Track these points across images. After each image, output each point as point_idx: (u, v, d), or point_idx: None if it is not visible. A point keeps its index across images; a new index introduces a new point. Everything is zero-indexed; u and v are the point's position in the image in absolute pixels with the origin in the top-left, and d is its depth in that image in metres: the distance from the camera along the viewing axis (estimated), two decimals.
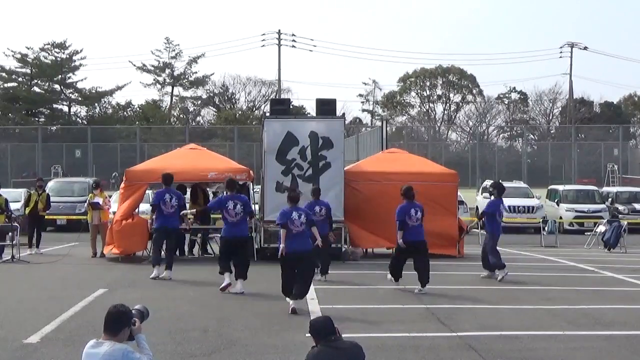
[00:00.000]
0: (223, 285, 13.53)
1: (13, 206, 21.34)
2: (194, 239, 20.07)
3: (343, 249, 18.77)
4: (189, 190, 21.24)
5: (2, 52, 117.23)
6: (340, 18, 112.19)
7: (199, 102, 78.30)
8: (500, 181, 17.73)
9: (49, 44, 72.10)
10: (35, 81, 72.55)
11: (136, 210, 19.29)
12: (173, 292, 13.73)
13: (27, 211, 20.45)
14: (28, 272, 16.76)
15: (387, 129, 27.25)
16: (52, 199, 29.02)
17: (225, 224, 13.76)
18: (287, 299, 11.86)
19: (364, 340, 7.48)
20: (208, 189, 21.12)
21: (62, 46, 72.21)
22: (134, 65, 76.29)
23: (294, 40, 71.59)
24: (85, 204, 21.32)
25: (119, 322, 5.40)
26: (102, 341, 5.35)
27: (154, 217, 15.51)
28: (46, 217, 27.26)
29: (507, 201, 30.53)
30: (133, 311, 5.56)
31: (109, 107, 75.41)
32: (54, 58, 72.26)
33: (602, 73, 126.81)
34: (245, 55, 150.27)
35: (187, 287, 14.34)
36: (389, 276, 14.36)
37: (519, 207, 30.26)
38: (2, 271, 16.87)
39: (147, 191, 20.99)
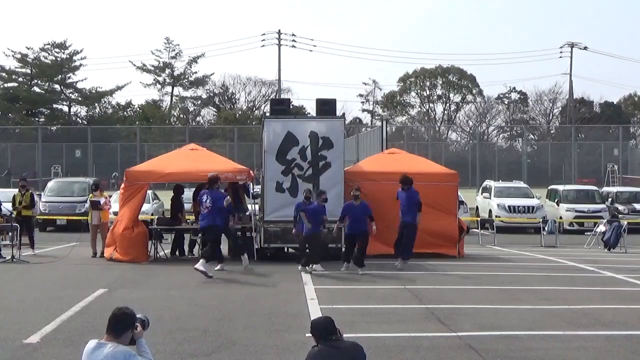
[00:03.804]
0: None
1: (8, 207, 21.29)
2: (194, 239, 20.06)
3: (343, 249, 18.72)
4: (190, 191, 21.29)
5: (2, 52, 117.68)
6: (340, 18, 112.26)
7: (199, 102, 78.32)
8: (357, 188, 17.33)
9: (49, 44, 72.32)
10: (35, 81, 72.65)
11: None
12: (173, 292, 13.74)
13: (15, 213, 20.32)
14: (28, 272, 16.75)
15: (387, 129, 27.24)
16: (52, 199, 29.29)
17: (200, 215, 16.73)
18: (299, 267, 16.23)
19: (364, 340, 7.49)
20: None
21: (62, 46, 72.32)
22: (134, 65, 76.51)
23: (294, 40, 71.71)
24: (87, 204, 21.30)
25: (122, 325, 5.40)
26: (104, 342, 5.34)
27: None
28: (45, 217, 27.50)
29: (507, 201, 30.76)
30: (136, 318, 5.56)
31: (109, 107, 75.56)
32: (54, 58, 72.37)
33: (602, 73, 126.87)
34: (245, 55, 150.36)
35: (187, 287, 14.33)
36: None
37: (519, 207, 30.25)
38: (2, 271, 16.86)
39: (147, 192, 20.97)
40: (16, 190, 21.24)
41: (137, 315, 5.61)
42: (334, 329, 5.92)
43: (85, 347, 5.42)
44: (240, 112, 73.11)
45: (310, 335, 6.10)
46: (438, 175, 20.22)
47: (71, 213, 27.84)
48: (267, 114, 19.93)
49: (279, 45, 70.00)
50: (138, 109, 74.51)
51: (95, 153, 52.15)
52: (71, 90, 73.59)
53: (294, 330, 10.48)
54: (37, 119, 70.35)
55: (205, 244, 20.08)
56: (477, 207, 32.70)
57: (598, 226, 24.86)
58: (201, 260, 15.56)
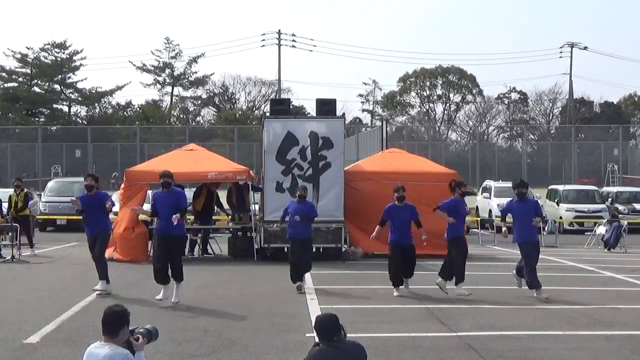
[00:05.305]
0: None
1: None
2: (194, 239, 20.07)
3: (343, 249, 18.75)
4: (190, 191, 21.28)
5: (2, 52, 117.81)
6: (340, 18, 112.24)
7: (199, 102, 78.34)
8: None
9: (49, 44, 72.39)
10: (35, 81, 72.70)
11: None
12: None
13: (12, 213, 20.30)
14: (28, 272, 16.76)
15: (387, 129, 27.25)
16: (52, 199, 29.29)
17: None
18: (295, 283, 13.94)
19: (364, 340, 7.48)
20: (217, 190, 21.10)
21: (62, 46, 72.38)
22: (134, 65, 76.56)
23: (294, 40, 71.76)
24: None
25: (116, 323, 5.36)
26: (104, 343, 5.31)
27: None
28: (45, 217, 27.49)
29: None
30: (142, 329, 5.46)
31: (109, 107, 75.62)
32: (54, 58, 72.41)
33: (602, 73, 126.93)
34: (245, 55, 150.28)
35: (187, 287, 14.29)
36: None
37: None
38: (2, 271, 16.87)
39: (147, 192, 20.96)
40: (12, 191, 21.27)
41: (145, 327, 5.51)
42: (338, 328, 5.89)
43: (88, 347, 5.41)
44: (240, 112, 73.13)
45: (311, 334, 6.09)
46: (438, 175, 20.21)
47: (71, 213, 27.80)
48: (267, 114, 19.94)
49: (279, 45, 70.06)
50: (138, 109, 74.56)
51: (95, 153, 52.17)
52: (71, 90, 73.63)
53: (294, 330, 10.48)
54: (37, 119, 70.37)
55: (206, 244, 20.17)
56: (477, 207, 32.67)
57: (598, 226, 24.86)
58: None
